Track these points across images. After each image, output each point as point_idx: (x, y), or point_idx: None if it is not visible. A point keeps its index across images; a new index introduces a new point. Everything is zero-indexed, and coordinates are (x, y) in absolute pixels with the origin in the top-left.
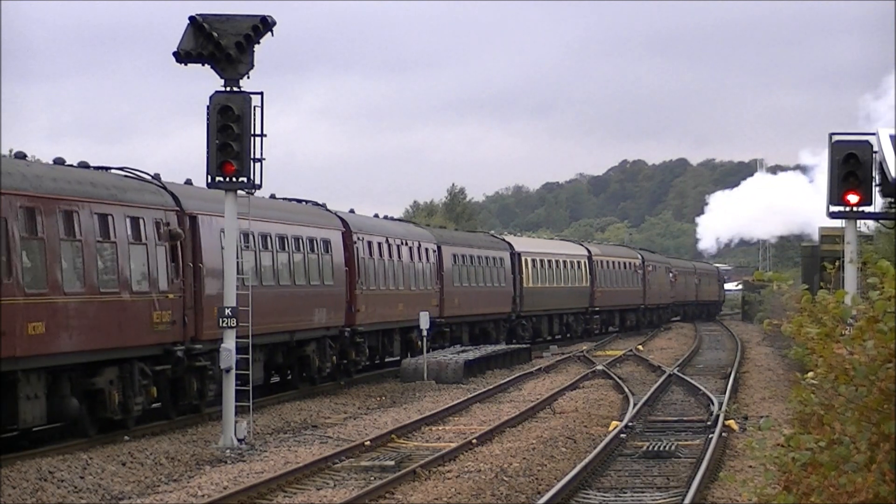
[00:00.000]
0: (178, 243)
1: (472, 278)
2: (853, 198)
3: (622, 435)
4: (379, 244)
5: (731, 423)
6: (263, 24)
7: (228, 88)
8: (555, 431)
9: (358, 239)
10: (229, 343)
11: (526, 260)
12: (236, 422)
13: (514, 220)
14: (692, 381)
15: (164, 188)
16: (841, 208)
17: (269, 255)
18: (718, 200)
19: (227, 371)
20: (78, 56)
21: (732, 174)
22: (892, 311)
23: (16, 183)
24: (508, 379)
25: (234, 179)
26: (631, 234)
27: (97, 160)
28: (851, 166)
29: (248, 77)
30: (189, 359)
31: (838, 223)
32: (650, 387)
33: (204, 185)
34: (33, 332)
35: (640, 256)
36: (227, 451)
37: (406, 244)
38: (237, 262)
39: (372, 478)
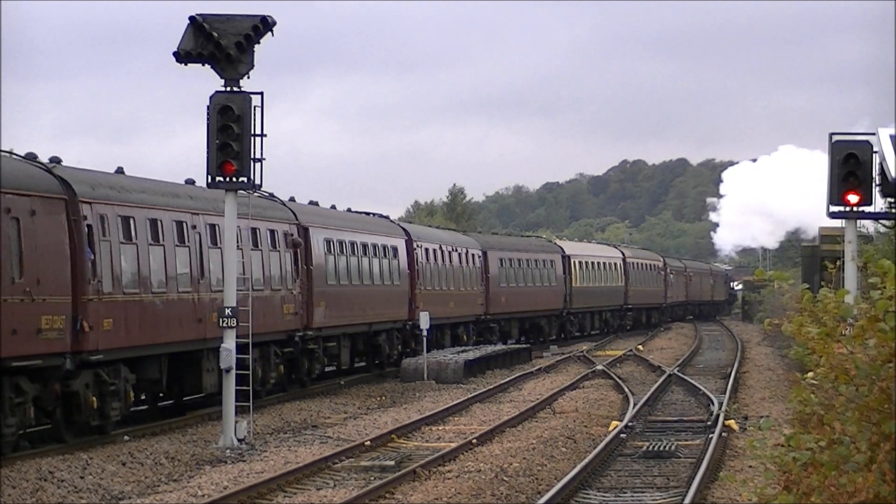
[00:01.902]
0: (298, 250)
1: (521, 279)
2: (853, 198)
3: (622, 435)
4: (434, 251)
5: (731, 423)
6: (263, 24)
7: (228, 88)
8: (555, 431)
9: (417, 246)
10: (229, 343)
11: (574, 262)
12: (236, 422)
13: (515, 220)
14: (692, 381)
15: (285, 205)
16: (841, 208)
17: (355, 259)
18: (742, 176)
19: (227, 371)
20: (84, 56)
21: None
22: (892, 311)
23: (207, 206)
24: (508, 379)
25: (234, 179)
26: (631, 233)
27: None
28: (851, 166)
29: (249, 77)
30: (303, 343)
31: (838, 223)
32: (650, 387)
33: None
34: (214, 320)
35: (661, 259)
36: (227, 451)
37: (456, 250)
38: (238, 262)
39: (372, 478)
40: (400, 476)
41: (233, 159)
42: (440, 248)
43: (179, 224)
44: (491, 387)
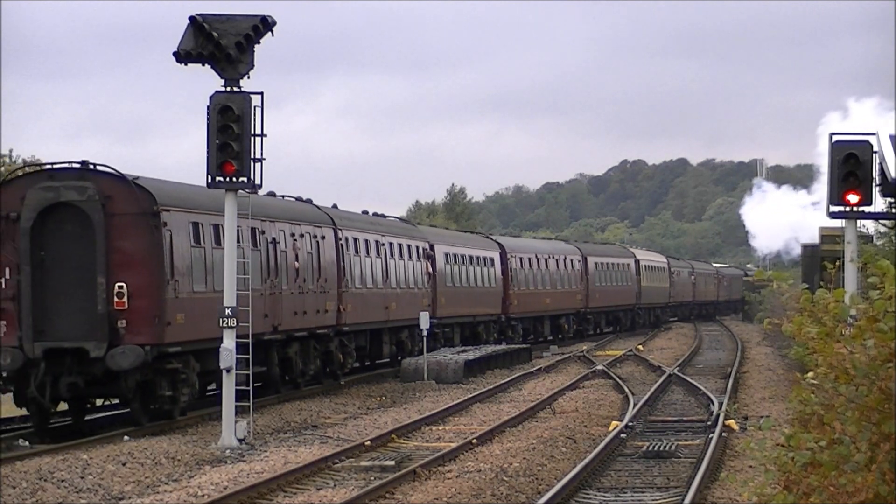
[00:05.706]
0: (429, 261)
1: (609, 279)
2: (853, 198)
3: (622, 435)
4: (529, 259)
5: (732, 423)
6: (263, 24)
7: (228, 88)
8: (555, 431)
9: (512, 256)
10: (229, 342)
11: (642, 265)
12: (236, 422)
13: (514, 220)
14: (692, 381)
15: (419, 228)
16: (841, 208)
17: (464, 267)
18: None
19: (227, 371)
20: (96, 56)
21: (732, 174)
22: (892, 311)
23: (388, 231)
24: (508, 379)
25: (234, 179)
26: (631, 233)
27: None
28: (851, 166)
29: (249, 77)
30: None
31: (838, 223)
32: (650, 387)
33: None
34: (392, 308)
35: (690, 266)
36: (227, 450)
37: (553, 257)
38: (239, 262)
39: (372, 478)
40: (400, 476)
41: (233, 159)
42: (535, 256)
43: (376, 243)
44: (491, 387)
